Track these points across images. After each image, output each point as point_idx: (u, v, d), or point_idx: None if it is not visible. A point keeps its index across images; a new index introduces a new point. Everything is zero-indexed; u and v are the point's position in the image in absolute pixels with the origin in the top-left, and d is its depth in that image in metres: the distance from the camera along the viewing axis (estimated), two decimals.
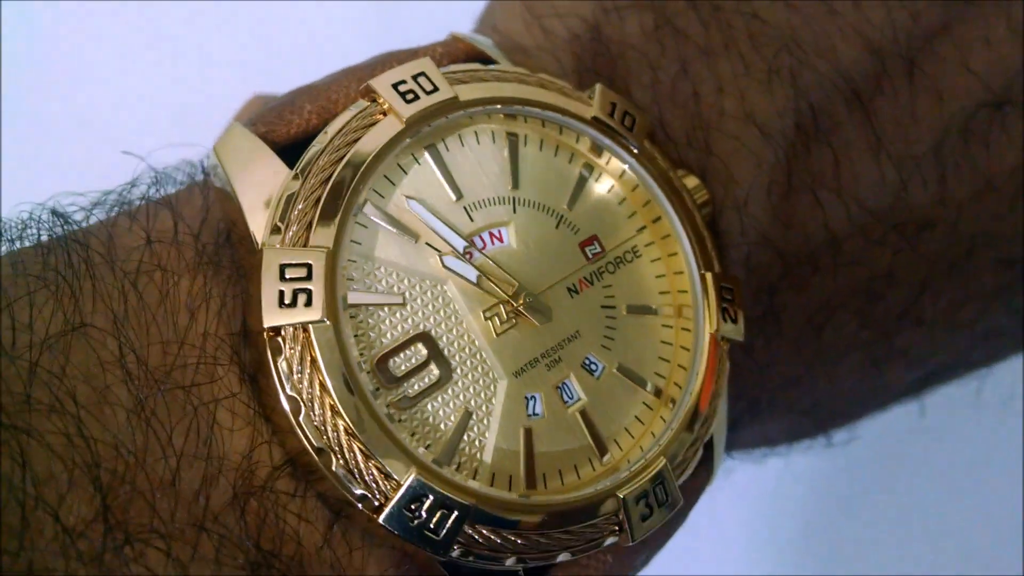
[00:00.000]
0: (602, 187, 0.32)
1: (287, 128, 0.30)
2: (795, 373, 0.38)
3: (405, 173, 0.29)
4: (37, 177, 0.32)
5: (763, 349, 0.36)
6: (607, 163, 0.32)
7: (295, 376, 0.26)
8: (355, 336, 0.27)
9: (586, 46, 0.36)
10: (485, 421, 0.28)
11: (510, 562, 0.28)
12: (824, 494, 0.65)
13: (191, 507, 0.26)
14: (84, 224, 0.30)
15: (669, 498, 0.29)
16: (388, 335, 0.28)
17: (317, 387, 0.26)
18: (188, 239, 0.29)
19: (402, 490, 0.26)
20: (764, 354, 0.36)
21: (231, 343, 0.28)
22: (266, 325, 0.26)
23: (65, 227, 0.30)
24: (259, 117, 0.30)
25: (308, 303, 0.26)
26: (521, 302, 0.29)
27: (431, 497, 0.26)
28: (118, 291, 0.28)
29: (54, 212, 0.30)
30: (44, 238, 0.29)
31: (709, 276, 0.31)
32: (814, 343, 0.37)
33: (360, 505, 0.26)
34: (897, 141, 0.35)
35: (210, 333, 0.28)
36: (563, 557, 0.28)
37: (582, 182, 0.32)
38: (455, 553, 0.27)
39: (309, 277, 0.26)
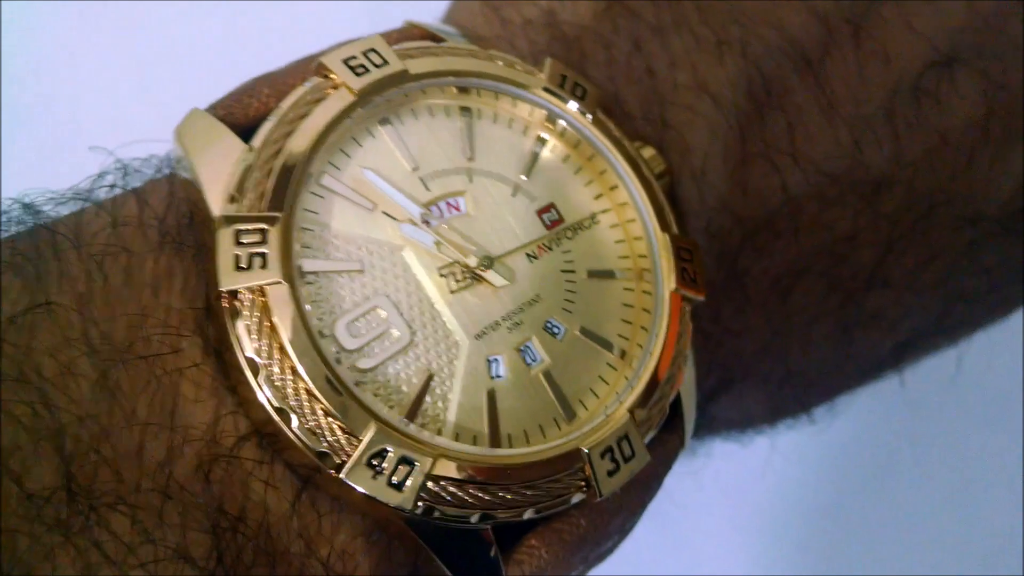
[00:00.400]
0: (557, 157, 0.33)
1: (245, 111, 0.31)
2: (766, 341, 0.38)
3: (360, 146, 0.30)
4: (15, 174, 0.33)
5: (731, 316, 0.37)
6: (562, 134, 0.33)
7: (253, 339, 0.26)
8: (313, 302, 0.28)
9: (541, 31, 0.37)
10: (448, 383, 0.29)
11: (475, 519, 0.28)
12: (820, 494, 0.65)
13: (156, 475, 0.27)
14: (54, 215, 0.31)
15: (635, 454, 0.30)
16: (347, 301, 0.28)
17: (276, 349, 0.26)
18: (153, 222, 0.30)
19: (363, 445, 0.26)
20: (732, 321, 0.37)
21: (194, 318, 0.28)
22: (222, 288, 0.27)
23: (36, 219, 0.31)
24: (218, 102, 0.31)
25: (264, 266, 0.27)
26: (480, 267, 0.30)
27: (393, 452, 0.26)
28: (83, 272, 0.28)
29: (25, 205, 0.31)
30: (14, 229, 0.30)
31: (666, 236, 0.32)
32: (783, 309, 0.37)
33: (322, 463, 0.27)
34: (848, 103, 0.36)
35: (173, 308, 0.28)
36: (529, 514, 0.29)
37: (537, 153, 0.33)
38: (420, 510, 0.27)
39: (264, 241, 0.27)
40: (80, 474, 0.26)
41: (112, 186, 0.31)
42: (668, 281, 0.32)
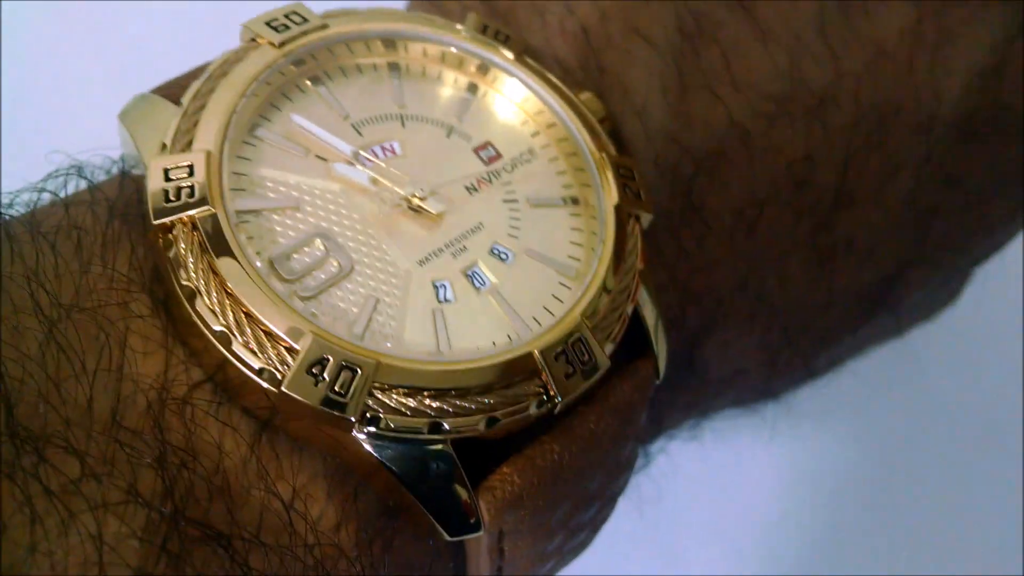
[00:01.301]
0: (490, 101, 0.34)
1: (184, 88, 0.32)
2: (742, 277, 0.37)
3: (291, 100, 0.31)
4: None
5: (696, 250, 0.36)
6: (493, 80, 0.34)
7: (189, 267, 0.27)
8: (249, 238, 0.28)
9: (478, 9, 0.38)
10: (393, 308, 0.29)
11: (427, 429, 0.27)
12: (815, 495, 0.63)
13: (107, 422, 0.27)
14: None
15: (592, 358, 0.29)
16: (283, 236, 0.29)
17: (210, 274, 0.27)
18: (103, 202, 0.31)
19: (302, 354, 0.26)
20: (698, 255, 0.36)
21: (141, 280, 0.29)
22: (155, 222, 0.27)
23: None
24: (159, 86, 0.32)
25: (192, 196, 0.27)
26: (417, 196, 0.30)
27: (332, 359, 0.26)
28: (33, 248, 0.29)
29: None
30: None
31: (603, 155, 0.32)
32: (751, 242, 0.37)
33: (263, 380, 0.26)
34: (779, 26, 0.36)
35: (120, 272, 0.29)
36: (484, 425, 0.28)
37: (469, 98, 0.33)
38: (367, 422, 0.26)
39: (192, 175, 0.27)
40: (30, 423, 0.26)
41: (68, 174, 0.32)
42: (610, 197, 0.32)
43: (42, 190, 0.32)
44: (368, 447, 0.27)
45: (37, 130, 0.42)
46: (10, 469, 0.25)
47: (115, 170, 0.34)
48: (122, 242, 0.30)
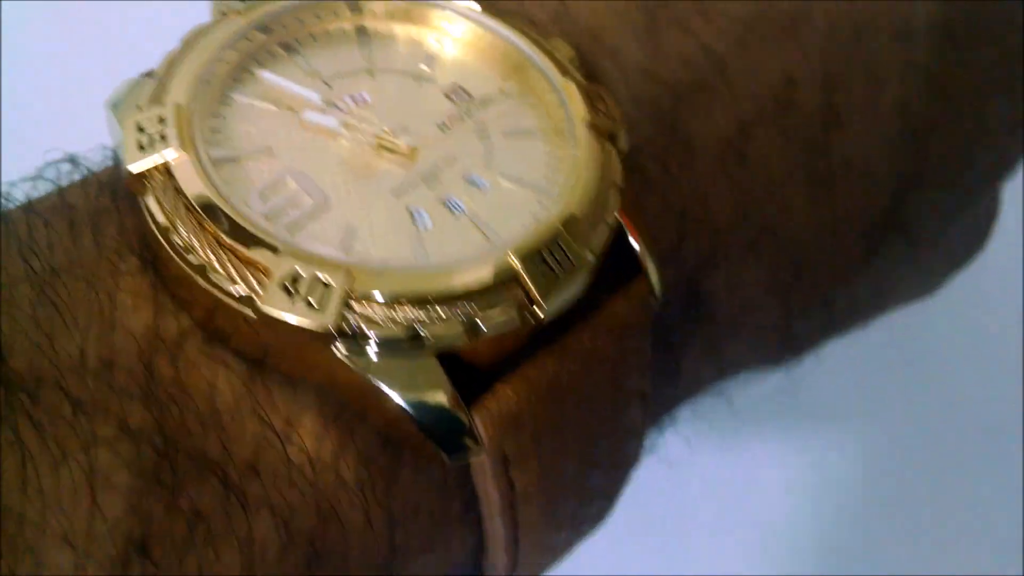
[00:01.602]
0: (458, 49, 0.34)
1: None
2: (738, 204, 0.37)
3: (261, 64, 0.32)
4: None
5: (687, 176, 0.36)
6: (460, 29, 0.35)
7: (166, 209, 0.28)
8: (224, 181, 0.29)
9: None
10: (371, 234, 0.29)
11: (407, 339, 0.27)
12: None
13: (98, 369, 0.27)
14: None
15: (572, 259, 0.29)
16: (257, 180, 0.29)
17: (185, 210, 0.27)
18: (95, 184, 0.32)
19: (278, 273, 0.26)
20: (690, 181, 0.36)
21: (129, 245, 0.30)
22: (132, 171, 0.28)
23: None
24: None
25: (164, 142, 0.28)
26: (388, 134, 0.31)
27: (305, 274, 0.26)
28: (26, 227, 0.30)
29: None
30: None
31: (568, 80, 0.32)
32: (744, 169, 0.37)
33: (241, 306, 0.27)
34: None
35: (110, 236, 0.30)
36: (467, 336, 0.27)
37: (437, 49, 0.34)
38: (348, 333, 0.26)
39: (163, 124, 0.28)
40: (23, 369, 0.26)
41: (61, 163, 0.34)
42: (580, 117, 0.32)
43: (37, 178, 0.33)
44: (356, 369, 0.27)
45: (37, 129, 0.43)
46: (2, 411, 0.25)
47: (111, 162, 0.35)
48: (111, 214, 0.31)
